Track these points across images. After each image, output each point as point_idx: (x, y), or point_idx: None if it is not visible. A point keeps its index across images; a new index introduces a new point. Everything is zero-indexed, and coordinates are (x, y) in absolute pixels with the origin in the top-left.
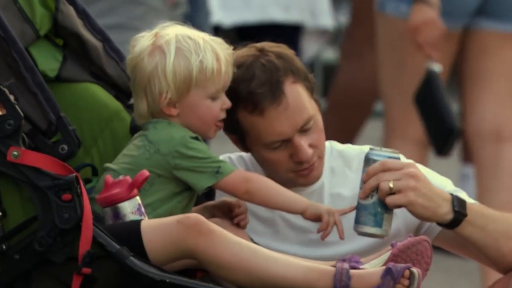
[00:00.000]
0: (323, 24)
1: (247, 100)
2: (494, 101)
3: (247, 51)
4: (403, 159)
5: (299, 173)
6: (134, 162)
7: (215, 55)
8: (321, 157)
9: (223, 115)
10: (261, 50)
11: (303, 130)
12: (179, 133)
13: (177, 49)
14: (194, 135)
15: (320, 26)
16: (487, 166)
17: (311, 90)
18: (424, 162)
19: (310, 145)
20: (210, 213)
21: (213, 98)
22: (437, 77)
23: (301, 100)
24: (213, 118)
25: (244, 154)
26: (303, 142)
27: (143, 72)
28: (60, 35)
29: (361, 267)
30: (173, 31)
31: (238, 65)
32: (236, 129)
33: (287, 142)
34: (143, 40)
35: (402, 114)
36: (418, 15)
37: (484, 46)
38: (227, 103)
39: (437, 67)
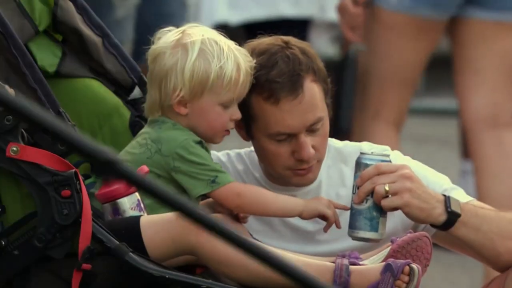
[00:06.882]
0: (332, 18)
1: (264, 87)
2: (487, 88)
3: (272, 40)
4: (400, 157)
5: (296, 171)
6: (135, 160)
7: (237, 64)
8: (319, 161)
9: (231, 126)
10: (287, 43)
11: (311, 129)
12: (183, 135)
13: (201, 50)
14: (197, 139)
15: (328, 20)
16: (490, 153)
17: (326, 93)
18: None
19: (313, 147)
20: (212, 209)
21: (225, 106)
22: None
23: (316, 99)
24: (221, 126)
25: (242, 151)
26: (308, 141)
27: (162, 65)
28: (59, 31)
29: (360, 263)
30: (201, 32)
31: (261, 52)
32: (245, 113)
33: (292, 137)
34: (169, 34)
35: (378, 96)
36: None
37: (476, 34)
38: (237, 114)
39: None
